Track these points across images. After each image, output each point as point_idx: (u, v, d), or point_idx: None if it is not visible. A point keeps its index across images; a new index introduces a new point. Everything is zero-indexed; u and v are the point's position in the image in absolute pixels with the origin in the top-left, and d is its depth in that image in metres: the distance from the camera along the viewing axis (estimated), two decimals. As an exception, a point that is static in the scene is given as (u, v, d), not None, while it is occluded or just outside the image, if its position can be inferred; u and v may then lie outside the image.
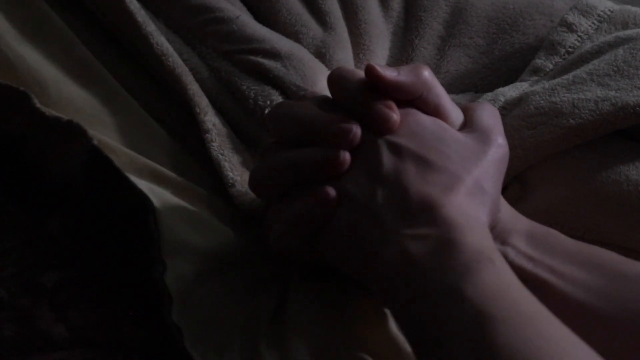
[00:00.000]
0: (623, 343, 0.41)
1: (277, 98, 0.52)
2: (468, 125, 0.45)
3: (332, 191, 0.41)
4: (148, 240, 0.41)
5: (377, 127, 0.42)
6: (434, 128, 0.43)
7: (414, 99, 0.44)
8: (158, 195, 0.46)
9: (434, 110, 0.45)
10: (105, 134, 0.49)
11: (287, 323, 0.42)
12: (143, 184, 0.45)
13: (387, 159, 0.41)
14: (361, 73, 0.44)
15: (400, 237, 0.38)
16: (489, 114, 0.46)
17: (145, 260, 0.42)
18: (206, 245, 0.46)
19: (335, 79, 0.45)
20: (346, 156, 0.41)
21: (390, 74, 0.43)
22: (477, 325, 0.33)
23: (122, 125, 0.50)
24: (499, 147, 0.44)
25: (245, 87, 0.52)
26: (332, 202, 0.41)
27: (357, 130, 0.41)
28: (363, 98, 0.43)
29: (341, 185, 0.41)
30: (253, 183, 0.46)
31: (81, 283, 0.44)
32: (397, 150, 0.41)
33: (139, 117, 0.52)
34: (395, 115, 0.42)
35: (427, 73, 0.45)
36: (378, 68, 0.43)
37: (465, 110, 0.47)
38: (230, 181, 0.49)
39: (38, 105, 0.45)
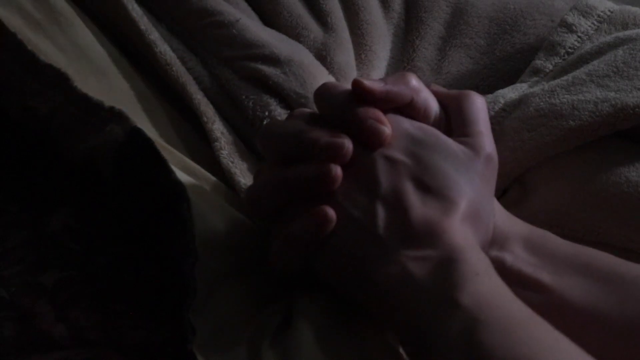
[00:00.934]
0: (621, 345, 0.41)
1: (276, 108, 0.52)
2: (455, 123, 0.45)
3: (330, 211, 0.40)
4: (181, 230, 0.41)
5: (370, 142, 0.42)
6: (425, 138, 0.43)
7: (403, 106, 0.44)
8: (193, 187, 0.46)
9: (423, 115, 0.45)
10: None
11: (292, 336, 0.42)
12: (179, 174, 0.44)
13: (384, 176, 0.41)
14: (347, 87, 0.44)
15: (402, 258, 0.38)
16: (477, 111, 0.46)
17: (174, 251, 0.41)
18: (234, 245, 0.46)
19: (322, 95, 0.45)
20: (338, 171, 0.41)
21: (378, 86, 0.43)
22: (472, 331, 0.34)
23: (154, 122, 0.51)
24: (489, 159, 0.44)
25: (244, 97, 0.52)
26: (331, 222, 0.41)
27: (348, 144, 0.41)
28: (352, 112, 0.43)
29: (339, 203, 0.41)
30: (248, 203, 0.45)
31: (81, 283, 0.44)
32: (392, 165, 0.41)
33: (167, 116, 0.52)
34: (387, 128, 0.42)
35: (414, 80, 0.45)
36: (366, 82, 0.43)
37: (451, 99, 0.47)
38: (243, 187, 0.49)
39: (78, 86, 0.45)
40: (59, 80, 0.45)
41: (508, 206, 0.48)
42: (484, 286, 0.36)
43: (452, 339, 0.34)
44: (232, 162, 0.50)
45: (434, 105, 0.46)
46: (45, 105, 0.45)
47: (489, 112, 0.51)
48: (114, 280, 0.44)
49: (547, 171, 0.51)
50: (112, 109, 0.44)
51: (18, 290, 0.43)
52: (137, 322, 0.42)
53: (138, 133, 0.43)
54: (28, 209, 0.47)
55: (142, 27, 0.52)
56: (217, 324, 0.42)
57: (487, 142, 0.44)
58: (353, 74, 0.58)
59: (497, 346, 0.33)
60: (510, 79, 0.60)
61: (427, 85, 0.47)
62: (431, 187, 0.40)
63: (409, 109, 0.44)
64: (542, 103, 0.51)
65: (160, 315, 0.42)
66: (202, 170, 0.49)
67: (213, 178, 0.50)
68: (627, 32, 0.56)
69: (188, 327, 0.39)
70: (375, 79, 0.45)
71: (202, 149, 0.52)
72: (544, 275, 0.42)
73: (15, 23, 0.48)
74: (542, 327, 0.35)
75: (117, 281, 0.44)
